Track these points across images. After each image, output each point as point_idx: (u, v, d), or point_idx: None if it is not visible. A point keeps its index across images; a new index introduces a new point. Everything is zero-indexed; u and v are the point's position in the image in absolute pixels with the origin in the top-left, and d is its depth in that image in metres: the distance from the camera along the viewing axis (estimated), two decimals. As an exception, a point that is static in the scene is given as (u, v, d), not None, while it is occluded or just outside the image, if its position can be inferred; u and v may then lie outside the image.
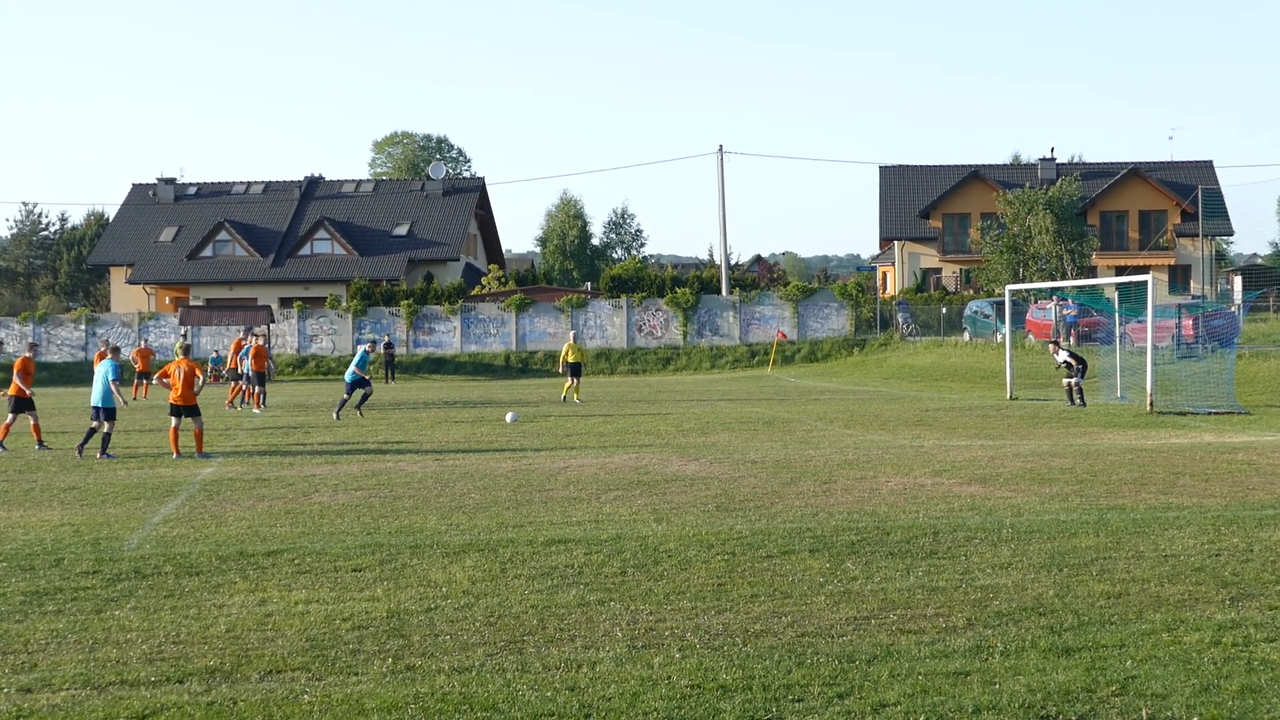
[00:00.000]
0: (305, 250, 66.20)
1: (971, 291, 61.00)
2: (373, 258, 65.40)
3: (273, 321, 54.44)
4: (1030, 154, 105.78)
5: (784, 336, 54.38)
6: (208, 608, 9.05)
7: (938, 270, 67.25)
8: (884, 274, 76.08)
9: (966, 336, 49.71)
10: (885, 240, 71.33)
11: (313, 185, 72.19)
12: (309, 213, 69.16)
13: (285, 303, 61.10)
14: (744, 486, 15.03)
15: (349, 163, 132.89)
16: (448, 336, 56.26)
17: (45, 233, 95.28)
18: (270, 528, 12.52)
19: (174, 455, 19.26)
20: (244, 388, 32.23)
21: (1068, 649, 7.63)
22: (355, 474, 16.91)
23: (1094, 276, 56.71)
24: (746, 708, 6.62)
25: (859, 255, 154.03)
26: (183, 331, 55.13)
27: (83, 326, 57.13)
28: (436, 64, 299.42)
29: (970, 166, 69.75)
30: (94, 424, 19.81)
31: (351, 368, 28.41)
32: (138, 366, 38.62)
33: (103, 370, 19.90)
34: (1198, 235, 62.59)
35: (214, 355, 50.28)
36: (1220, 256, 72.64)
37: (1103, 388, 30.62)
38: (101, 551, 11.25)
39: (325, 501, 14.31)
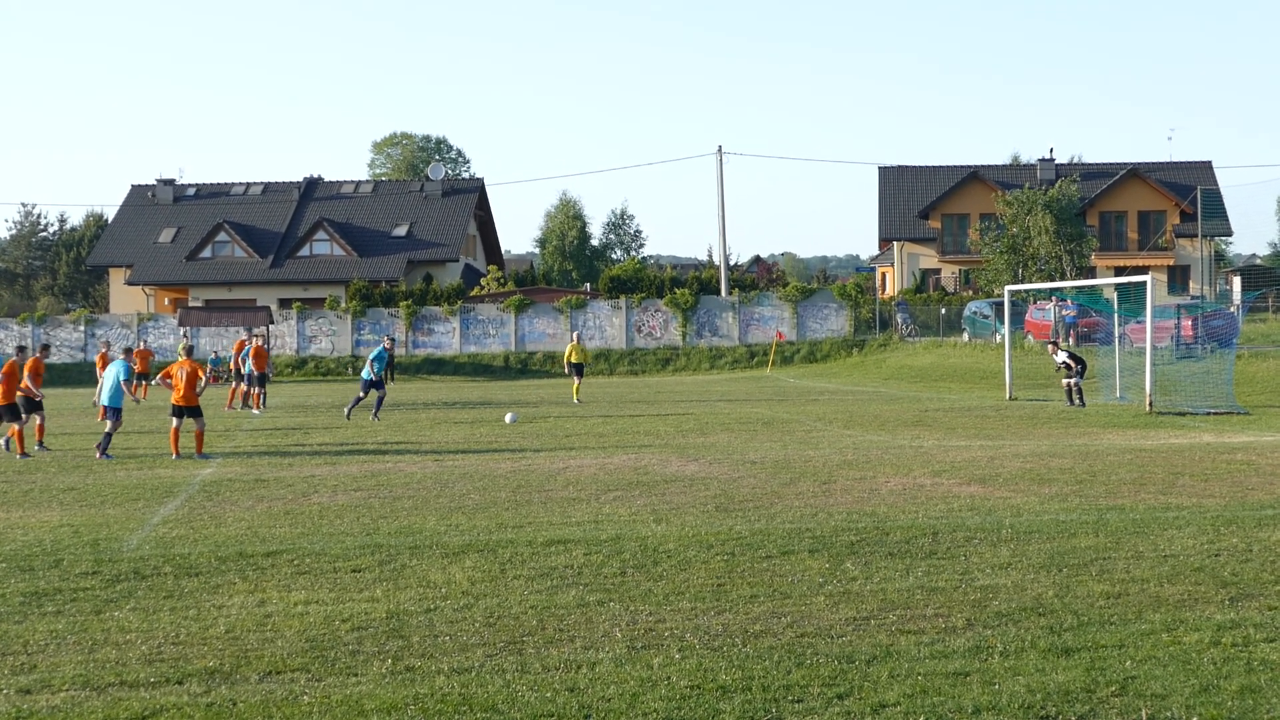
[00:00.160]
0: (304, 251, 66.19)
1: (971, 292, 61.00)
2: (372, 258, 65.40)
3: (272, 322, 54.41)
4: (1029, 154, 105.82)
5: (782, 337, 54.38)
6: (207, 608, 9.05)
7: (937, 271, 67.25)
8: (883, 274, 76.07)
9: (966, 337, 49.70)
10: (884, 241, 71.35)
11: (312, 186, 72.18)
12: (308, 213, 69.15)
13: (284, 304, 61.08)
14: (743, 487, 15.03)
15: (348, 163, 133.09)
16: (447, 337, 56.25)
17: (44, 234, 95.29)
18: (269, 528, 12.51)
19: (173, 456, 19.26)
20: (244, 388, 32.24)
21: (1067, 649, 7.63)
22: (354, 475, 16.91)
23: (1093, 277, 56.70)
24: (746, 708, 6.62)
25: (858, 256, 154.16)
26: (182, 332, 55.11)
27: (82, 327, 57.10)
28: (436, 65, 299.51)
29: (969, 167, 69.76)
30: (113, 425, 19.99)
31: (367, 365, 28.23)
32: (136, 368, 38.57)
33: (114, 370, 20.04)
34: (1197, 236, 62.61)
35: (213, 356, 50.25)
36: (1219, 257, 72.68)
37: (1102, 388, 30.63)
38: (101, 552, 11.25)
39: (324, 502, 14.31)
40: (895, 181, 71.05)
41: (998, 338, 44.48)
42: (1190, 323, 36.95)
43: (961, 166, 70.85)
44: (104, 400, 20.09)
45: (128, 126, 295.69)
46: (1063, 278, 51.94)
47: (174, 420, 19.77)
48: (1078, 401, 27.70)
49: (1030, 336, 44.63)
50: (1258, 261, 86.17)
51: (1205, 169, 68.87)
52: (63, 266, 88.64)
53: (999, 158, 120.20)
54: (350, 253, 65.41)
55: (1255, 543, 10.95)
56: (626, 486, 15.22)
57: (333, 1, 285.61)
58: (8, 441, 20.33)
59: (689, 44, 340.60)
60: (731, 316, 56.15)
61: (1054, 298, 44.49)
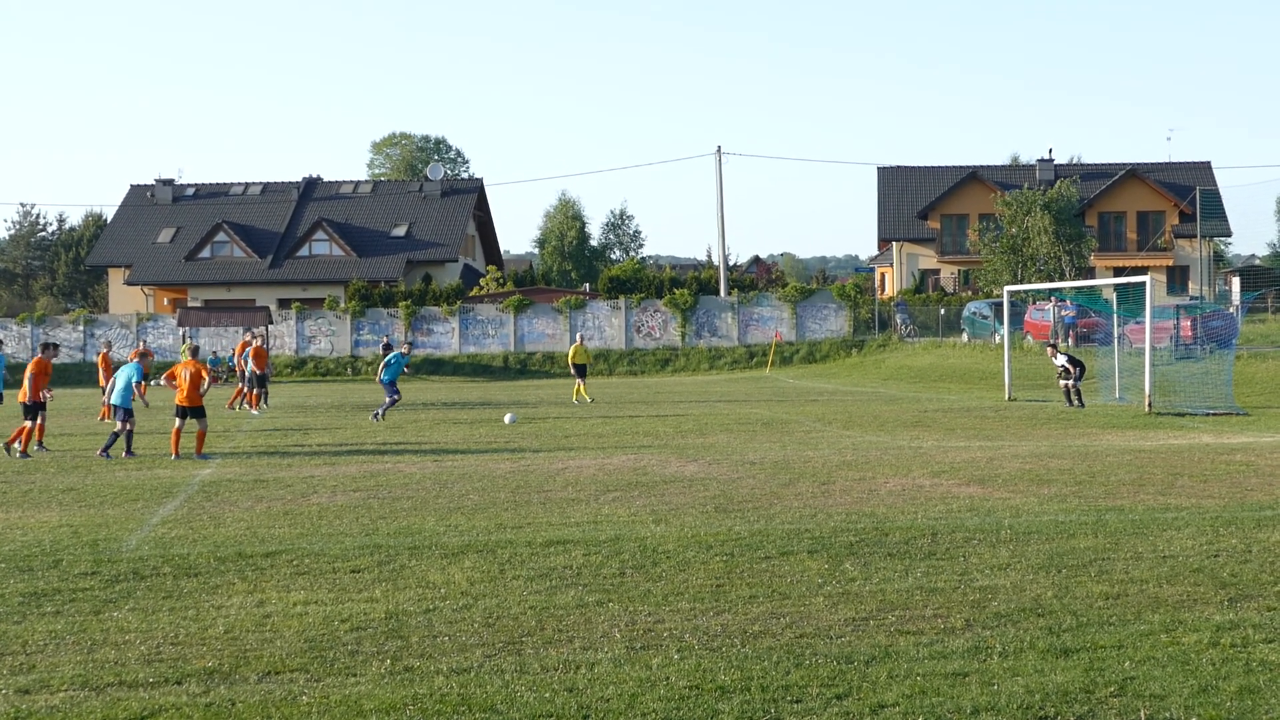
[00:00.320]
0: (303, 251, 66.17)
1: (970, 292, 60.99)
2: (371, 259, 65.38)
3: (271, 323, 54.40)
4: (1029, 155, 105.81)
5: (781, 338, 54.38)
6: (206, 609, 9.04)
7: (936, 271, 67.25)
8: (882, 275, 76.06)
9: (965, 337, 49.70)
10: (883, 241, 71.34)
11: (311, 186, 72.16)
12: (307, 214, 69.14)
13: (283, 304, 61.05)
14: (742, 488, 15.03)
15: (347, 163, 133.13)
16: (446, 338, 56.23)
17: (43, 234, 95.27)
18: (268, 529, 12.51)
19: (173, 456, 19.25)
20: (243, 389, 32.21)
21: (1066, 650, 7.63)
22: (354, 475, 16.91)
23: (1092, 277, 56.70)
24: (745, 709, 6.62)
25: (857, 256, 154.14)
26: (181, 333, 55.08)
27: (81, 328, 57.07)
28: (435, 65, 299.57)
29: (968, 167, 69.74)
30: (124, 426, 20.01)
31: (389, 370, 27.89)
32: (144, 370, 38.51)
33: (126, 371, 20.12)
34: (1196, 236, 62.57)
35: (212, 356, 50.23)
36: (1218, 257, 72.65)
37: (1101, 389, 30.63)
38: (100, 553, 11.25)
39: (324, 503, 14.31)
40: (894, 182, 71.03)
41: (997, 338, 44.48)
42: (1189, 323, 36.97)
43: (960, 167, 70.83)
44: (114, 400, 20.16)
45: (127, 126, 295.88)
46: (1062, 278, 51.95)
47: (177, 420, 19.78)
48: (1076, 402, 27.70)
49: (1029, 337, 44.63)
50: (1257, 262, 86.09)
51: (1204, 169, 68.85)
52: (62, 266, 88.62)
53: (998, 158, 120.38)
54: (349, 253, 65.39)
55: (1254, 543, 10.95)
56: (626, 487, 15.22)
57: (331, 2, 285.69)
58: (8, 447, 20.28)
59: (688, 44, 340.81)
60: (731, 317, 56.14)
61: (1053, 298, 44.50)
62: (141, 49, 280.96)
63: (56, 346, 22.38)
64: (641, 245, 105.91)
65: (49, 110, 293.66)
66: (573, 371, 34.38)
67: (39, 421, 20.89)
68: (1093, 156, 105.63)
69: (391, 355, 28.84)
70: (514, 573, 10.13)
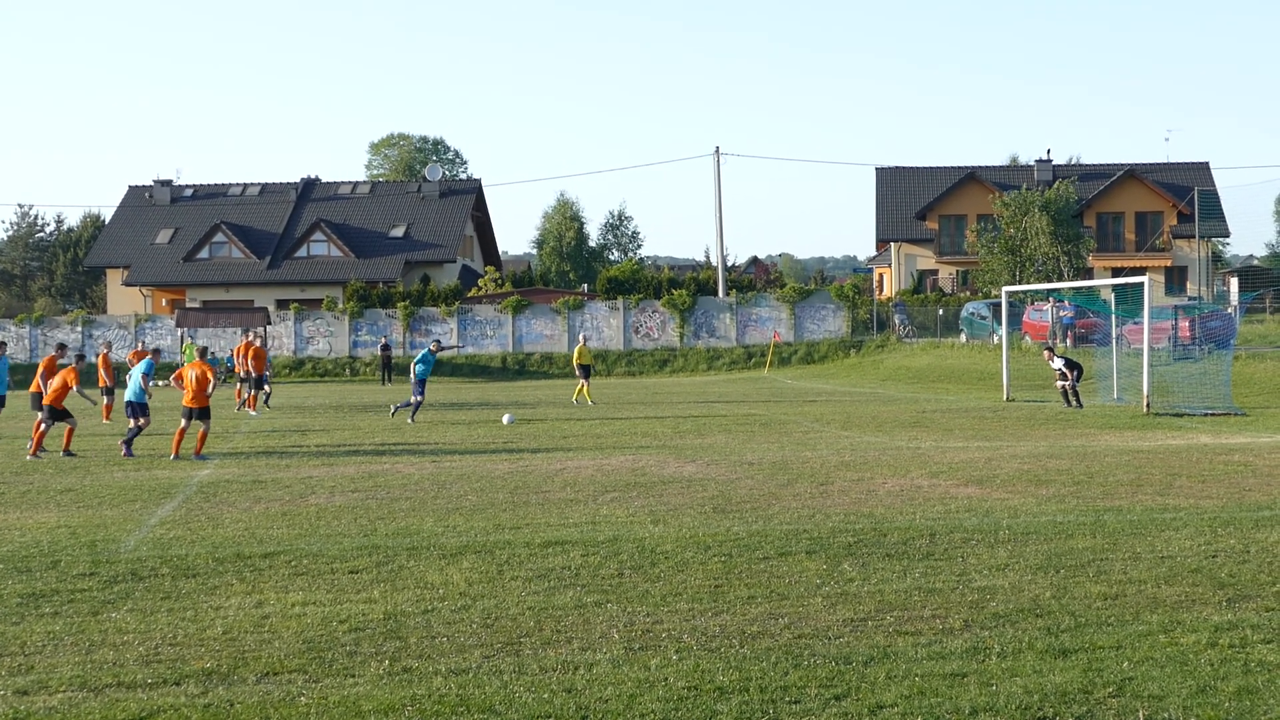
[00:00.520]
0: (302, 252, 66.15)
1: (968, 293, 61.01)
2: (369, 259, 65.37)
3: (269, 323, 54.39)
4: (1027, 155, 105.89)
5: (779, 338, 54.38)
6: (204, 610, 9.04)
7: (934, 272, 67.26)
8: (880, 275, 76.06)
9: (963, 338, 49.71)
10: (882, 242, 71.34)
11: (309, 187, 72.15)
12: (305, 214, 69.12)
13: (282, 304, 61.04)
14: (741, 488, 15.03)
15: (345, 164, 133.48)
16: (444, 338, 56.20)
17: (41, 234, 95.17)
18: (267, 529, 12.51)
19: (172, 456, 19.24)
20: (241, 389, 32.18)
21: (1065, 650, 7.63)
22: (352, 476, 16.90)
23: (1090, 278, 56.73)
24: (743, 709, 6.62)
25: (855, 257, 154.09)
26: (180, 334, 55.04)
27: (79, 328, 57.04)
28: (433, 65, 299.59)
29: (967, 168, 69.74)
30: (132, 423, 20.09)
31: (419, 369, 27.63)
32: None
33: (137, 369, 20.21)
34: (1194, 236, 62.65)
35: (210, 357, 50.18)
36: (1217, 258, 72.66)
37: (1099, 389, 30.64)
38: (98, 553, 11.24)
39: (322, 503, 14.30)
40: (892, 182, 71.04)
41: (995, 339, 44.49)
42: (1188, 324, 36.98)
43: (959, 167, 70.85)
44: (128, 396, 20.30)
45: (125, 127, 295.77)
46: (1060, 279, 51.96)
47: (183, 421, 19.81)
48: (1075, 403, 27.71)
49: (1028, 338, 44.64)
50: (1255, 262, 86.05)
51: (1203, 170, 68.87)
52: (60, 267, 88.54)
53: (997, 159, 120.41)
54: (347, 253, 65.38)
55: (1252, 544, 10.96)
56: (624, 488, 15.22)
57: (330, 2, 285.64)
58: (66, 452, 20.16)
59: (686, 45, 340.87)
60: (729, 317, 56.14)
61: (1051, 299, 44.50)
62: (140, 50, 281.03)
63: (66, 347, 22.91)
64: (640, 246, 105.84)
65: (47, 111, 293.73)
66: (577, 373, 34.31)
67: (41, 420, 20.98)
68: (1091, 157, 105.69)
69: (423, 353, 28.39)
70: (512, 573, 10.12)
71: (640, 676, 7.21)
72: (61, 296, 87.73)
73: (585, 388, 33.29)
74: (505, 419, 26.14)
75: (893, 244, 68.60)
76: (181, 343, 52.41)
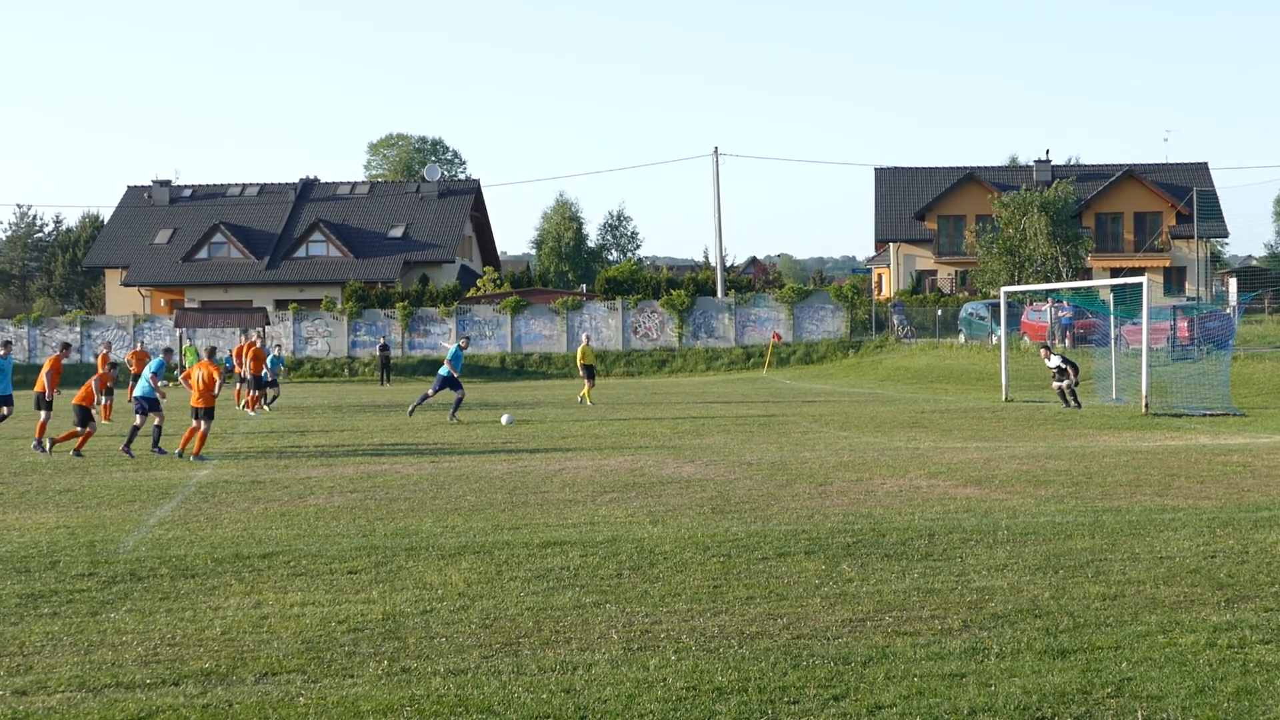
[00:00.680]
0: (300, 252, 66.14)
1: (967, 293, 61.02)
2: (368, 260, 65.37)
3: (268, 324, 54.38)
4: (1026, 156, 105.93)
5: (778, 338, 54.39)
6: (203, 610, 9.04)
7: (933, 272, 67.28)
8: (879, 276, 76.08)
9: (962, 338, 49.72)
10: (880, 242, 71.34)
11: (308, 187, 72.14)
12: (304, 215, 69.11)
13: (281, 305, 61.02)
14: (740, 488, 15.03)
15: (344, 165, 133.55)
16: (443, 339, 56.20)
17: (40, 235, 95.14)
18: (266, 530, 12.51)
19: (178, 453, 19.33)
20: (238, 389, 32.19)
21: (1063, 651, 7.63)
22: (351, 476, 16.90)
23: (1089, 278, 56.73)
24: (742, 710, 6.62)
25: (854, 257, 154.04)
26: (179, 334, 55.01)
27: (78, 329, 57.03)
28: (432, 66, 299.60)
29: (965, 168, 69.77)
30: (138, 419, 20.06)
31: (446, 364, 27.46)
32: (133, 369, 38.55)
33: (148, 367, 20.41)
34: (1193, 237, 62.67)
35: (218, 358, 50.15)
36: (1215, 258, 72.72)
37: (1098, 390, 30.64)
38: (97, 554, 11.24)
39: (321, 504, 14.30)
40: (891, 183, 71.06)
41: (994, 339, 44.49)
42: (1186, 324, 36.99)
43: (958, 168, 70.87)
44: (137, 393, 20.32)
45: (124, 128, 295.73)
46: (1059, 279, 51.98)
47: (193, 421, 19.85)
48: (1073, 403, 27.71)
49: (1026, 338, 44.64)
50: (1254, 263, 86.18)
51: (1201, 170, 68.91)
52: (59, 268, 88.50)
53: (995, 159, 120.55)
54: (346, 254, 65.37)
55: (1251, 544, 10.96)
56: (623, 488, 15.22)
57: (328, 3, 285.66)
58: (77, 452, 20.17)
59: (685, 45, 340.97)
60: (728, 318, 56.15)
61: (1050, 299, 44.52)
62: (139, 50, 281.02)
63: (70, 346, 23.13)
64: (639, 246, 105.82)
65: (46, 111, 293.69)
66: (581, 373, 34.24)
67: (45, 419, 21.11)
68: (1090, 157, 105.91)
69: (453, 350, 28.02)
70: (511, 574, 10.12)
71: (639, 677, 7.22)
72: (60, 297, 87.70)
73: (587, 388, 33.25)
74: (504, 419, 26.13)
75: (891, 244, 68.62)
76: (181, 343, 52.39)
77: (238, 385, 33.03)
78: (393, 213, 69.29)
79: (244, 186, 72.69)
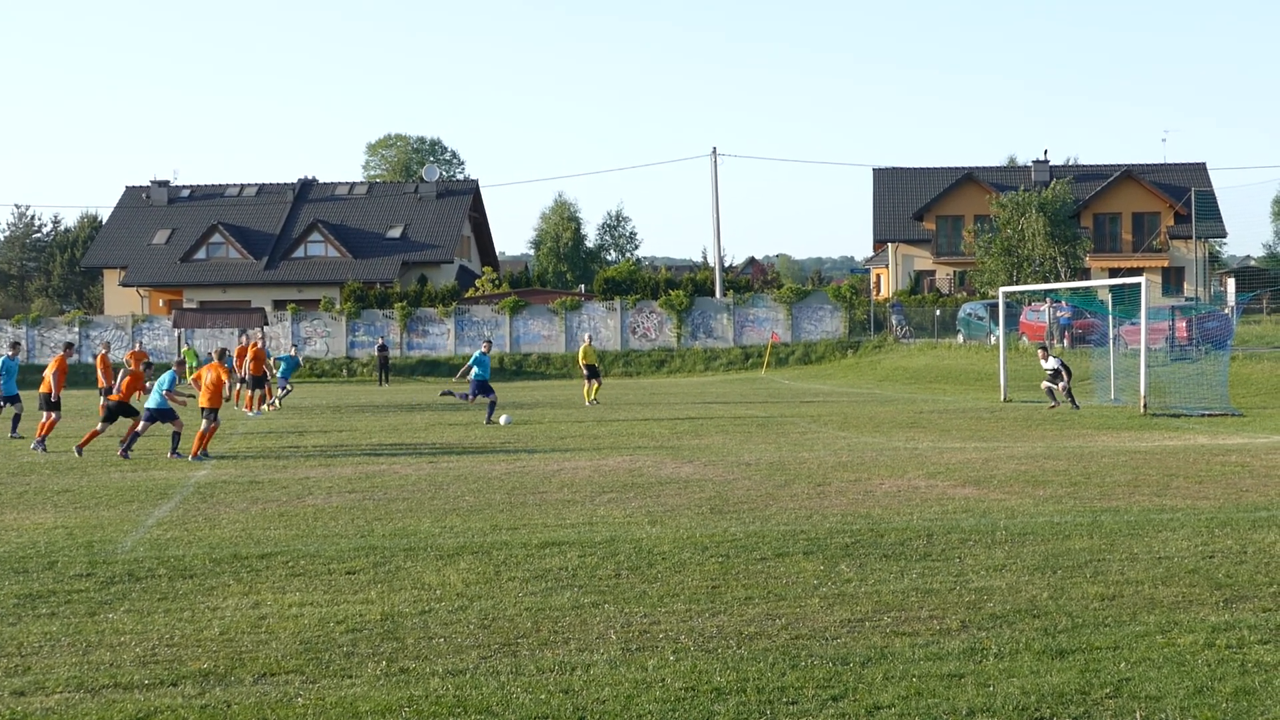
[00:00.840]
0: (299, 253, 66.15)
1: (965, 294, 61.04)
2: (366, 260, 65.37)
3: (266, 324, 54.38)
4: (1024, 156, 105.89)
5: (777, 339, 54.41)
6: (201, 610, 9.03)
7: (931, 272, 67.31)
8: (878, 276, 76.10)
9: (960, 339, 49.75)
10: (879, 242, 71.39)
11: (306, 187, 72.14)
12: (302, 215, 69.11)
13: (279, 305, 61.02)
14: (738, 489, 15.03)
15: (342, 165, 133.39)
16: (441, 339, 56.23)
17: (38, 235, 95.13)
18: (264, 530, 12.50)
19: (192, 456, 19.32)
20: (240, 390, 32.19)
21: (1062, 651, 7.63)
22: (349, 476, 16.90)
23: (1087, 279, 56.75)
24: (740, 710, 6.62)
25: (853, 257, 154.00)
26: (177, 334, 55.03)
27: (76, 329, 57.02)
28: (430, 66, 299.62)
29: (964, 169, 69.81)
30: (137, 428, 19.98)
31: (475, 371, 27.31)
32: (131, 369, 38.51)
33: (160, 381, 20.31)
34: (1191, 237, 62.73)
35: (208, 356, 50.14)
36: (1213, 258, 72.78)
37: (1096, 390, 30.66)
38: (95, 554, 11.23)
39: (319, 504, 14.30)
40: (890, 183, 71.09)
41: (992, 339, 44.50)
42: (1185, 324, 37.01)
43: (956, 168, 70.92)
44: (149, 405, 20.10)
45: (122, 128, 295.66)
46: (1057, 279, 51.98)
47: (203, 422, 19.86)
48: (1070, 403, 27.69)
49: (1025, 338, 44.67)
50: (1252, 263, 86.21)
51: (1200, 170, 68.97)
52: (57, 268, 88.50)
53: (994, 159, 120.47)
54: (345, 254, 65.37)
55: (1249, 545, 10.96)
56: (621, 489, 15.22)
57: (328, 3, 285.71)
58: (79, 449, 20.16)
59: (684, 46, 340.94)
60: (726, 318, 56.17)
61: (1048, 299, 44.53)
62: (137, 50, 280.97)
63: (73, 346, 23.32)
64: (637, 246, 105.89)
65: (44, 111, 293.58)
66: (584, 373, 34.20)
67: (54, 419, 21.22)
68: (1088, 158, 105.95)
69: (476, 355, 27.86)
70: (509, 574, 10.12)
71: (637, 677, 7.21)
72: (58, 297, 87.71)
73: (590, 389, 33.22)
74: (502, 420, 26.12)
75: (890, 245, 68.66)
76: (180, 344, 52.40)
77: (238, 386, 33.03)
78: (391, 213, 69.30)
79: (242, 187, 72.69)
